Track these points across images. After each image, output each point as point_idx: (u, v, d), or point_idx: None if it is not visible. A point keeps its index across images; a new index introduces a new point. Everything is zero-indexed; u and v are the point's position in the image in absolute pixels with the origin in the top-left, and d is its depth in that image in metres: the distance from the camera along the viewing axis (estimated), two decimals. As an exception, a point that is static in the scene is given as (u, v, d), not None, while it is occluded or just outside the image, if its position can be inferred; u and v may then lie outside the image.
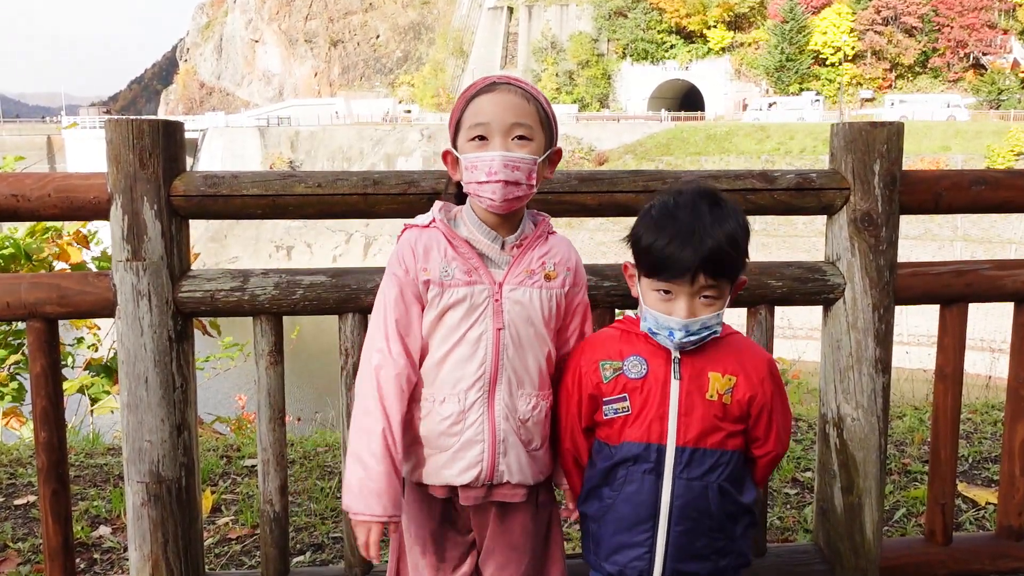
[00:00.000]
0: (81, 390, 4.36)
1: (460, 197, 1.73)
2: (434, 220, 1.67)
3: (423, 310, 1.65)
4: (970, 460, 3.58)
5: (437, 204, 1.70)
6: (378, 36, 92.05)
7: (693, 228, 1.53)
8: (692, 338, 1.57)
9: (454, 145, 1.68)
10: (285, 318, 2.15)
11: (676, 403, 1.59)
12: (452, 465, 1.64)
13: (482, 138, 1.61)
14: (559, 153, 1.71)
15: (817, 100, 54.55)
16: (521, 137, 1.61)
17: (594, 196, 2.13)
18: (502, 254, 1.66)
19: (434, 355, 1.65)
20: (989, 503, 3.09)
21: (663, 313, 1.57)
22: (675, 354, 1.61)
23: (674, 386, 1.59)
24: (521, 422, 1.67)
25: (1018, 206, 2.30)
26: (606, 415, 1.64)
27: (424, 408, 1.66)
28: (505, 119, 1.60)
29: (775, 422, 1.66)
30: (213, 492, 3.15)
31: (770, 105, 53.19)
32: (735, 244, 1.56)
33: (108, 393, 4.34)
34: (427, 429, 1.66)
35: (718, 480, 1.61)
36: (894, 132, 2.14)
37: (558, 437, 1.75)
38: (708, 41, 63.88)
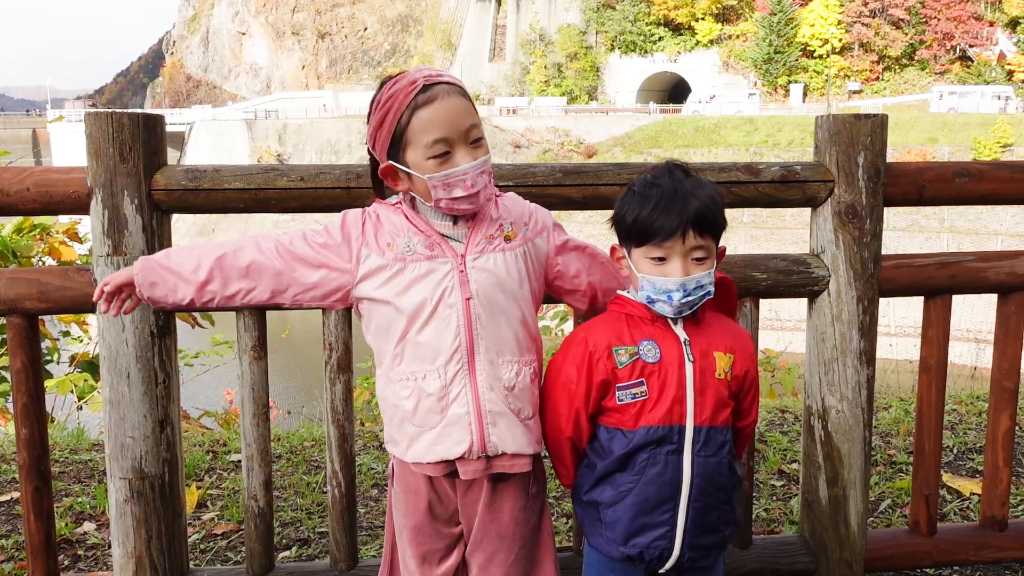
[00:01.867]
0: (67, 387, 4.32)
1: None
2: (399, 203, 1.68)
3: (336, 279, 1.67)
4: (955, 451, 3.61)
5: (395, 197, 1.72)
6: (366, 28, 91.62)
7: (675, 191, 1.62)
8: (689, 298, 1.63)
9: (395, 158, 1.61)
10: (273, 313, 2.14)
11: (692, 384, 1.65)
12: (443, 440, 1.64)
13: (446, 153, 1.57)
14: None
15: (753, 94, 56.04)
16: (476, 140, 1.59)
17: (579, 189, 2.12)
18: (457, 228, 1.65)
19: (408, 333, 1.63)
20: (974, 494, 3.11)
21: (660, 276, 1.63)
22: (683, 336, 1.67)
23: (688, 368, 1.66)
24: (507, 390, 1.66)
25: (1002, 198, 2.31)
26: (621, 400, 1.66)
27: (407, 387, 1.65)
28: (461, 125, 1.57)
29: (756, 394, 1.77)
30: (199, 487, 3.13)
31: (711, 97, 54.42)
32: (715, 203, 1.64)
33: (95, 389, 4.31)
34: (413, 407, 1.65)
35: (727, 454, 1.69)
36: (878, 124, 2.15)
37: (551, 424, 1.74)
38: (696, 33, 63.93)
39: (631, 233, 1.66)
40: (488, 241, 1.66)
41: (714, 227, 1.64)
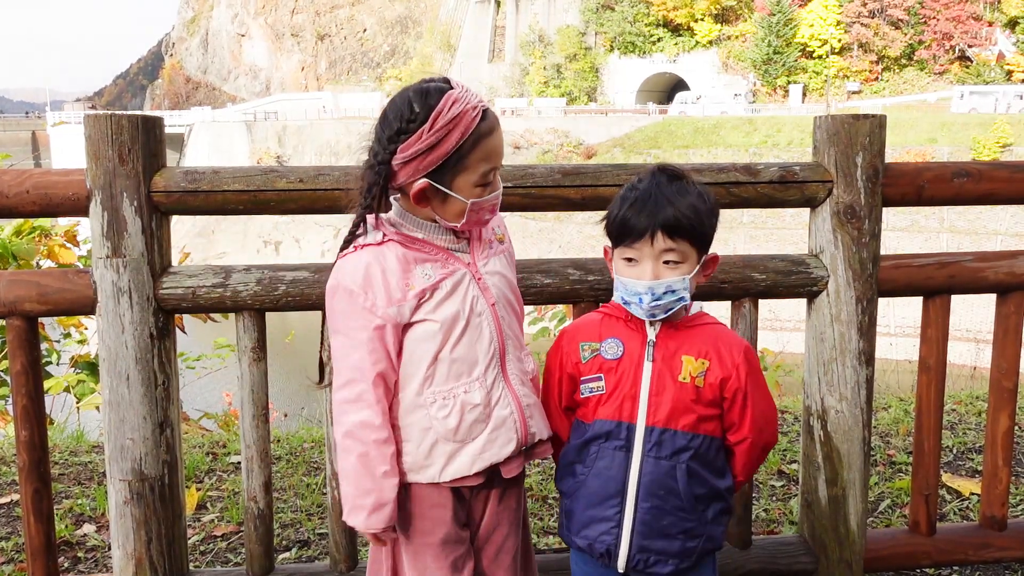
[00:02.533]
0: (67, 388, 4.32)
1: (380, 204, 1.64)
2: (385, 235, 1.59)
3: (400, 333, 1.60)
4: (954, 451, 3.61)
5: (371, 220, 1.61)
6: (365, 30, 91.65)
7: (650, 194, 1.63)
8: (660, 302, 1.63)
9: (437, 178, 1.55)
10: (272, 315, 2.14)
11: (648, 383, 1.65)
12: (490, 446, 1.64)
13: (491, 181, 1.61)
14: None
15: (739, 95, 56.29)
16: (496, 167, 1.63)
17: (578, 190, 2.13)
18: (457, 241, 1.66)
19: (443, 351, 1.61)
20: (973, 493, 3.11)
21: (631, 278, 1.64)
22: (650, 336, 1.67)
23: (646, 367, 1.66)
24: (533, 382, 1.74)
25: (1000, 198, 2.31)
26: (583, 394, 1.71)
27: (446, 405, 1.62)
28: (503, 157, 1.63)
29: (749, 407, 1.68)
30: (199, 489, 3.13)
31: (697, 98, 54.78)
32: (692, 209, 1.63)
33: (94, 391, 4.31)
34: (456, 424, 1.62)
35: (687, 460, 1.65)
36: (876, 125, 2.15)
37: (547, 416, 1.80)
38: (695, 34, 63.90)
39: (610, 233, 1.69)
40: (488, 246, 1.70)
41: (690, 233, 1.62)
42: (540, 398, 1.77)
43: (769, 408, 1.72)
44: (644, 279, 1.62)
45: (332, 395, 1.64)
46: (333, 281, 1.61)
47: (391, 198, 1.63)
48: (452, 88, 1.55)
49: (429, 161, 1.54)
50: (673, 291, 1.63)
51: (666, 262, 1.63)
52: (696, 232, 1.63)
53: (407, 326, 1.60)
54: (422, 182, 1.55)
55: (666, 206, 1.60)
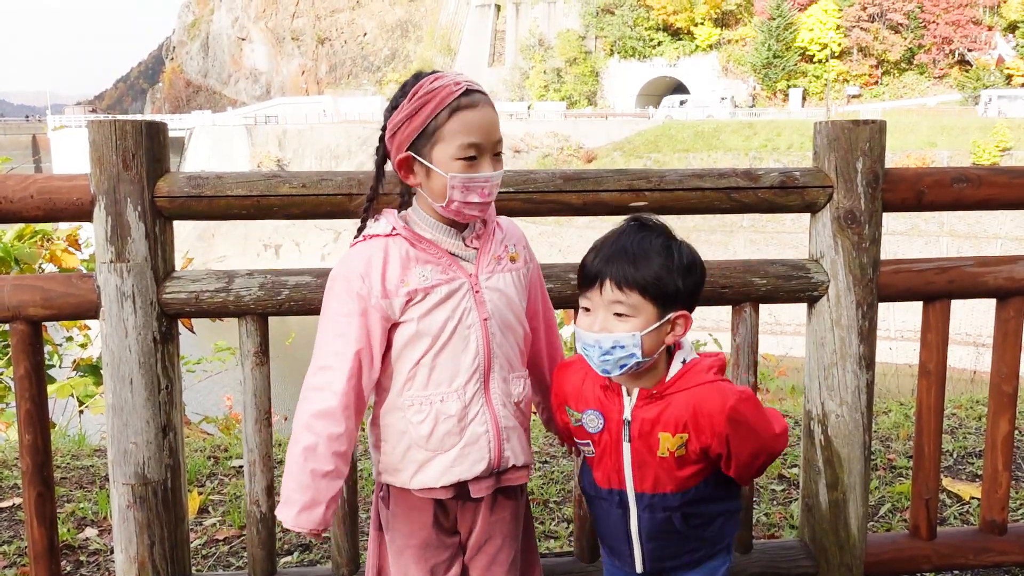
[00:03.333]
0: (67, 391, 4.32)
1: (405, 199, 1.70)
2: (395, 228, 1.62)
3: (388, 329, 1.61)
4: (955, 455, 3.61)
5: (391, 213, 1.66)
6: (365, 34, 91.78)
7: (609, 241, 1.61)
8: (608, 358, 1.56)
9: (417, 151, 1.59)
10: (274, 319, 2.15)
11: (629, 462, 1.66)
12: (461, 462, 1.64)
13: (473, 158, 1.57)
14: None
15: (724, 99, 57.06)
16: (499, 152, 1.62)
17: (579, 195, 2.14)
18: (465, 249, 1.67)
19: (425, 356, 1.63)
20: (973, 498, 3.12)
21: (583, 328, 1.61)
22: (626, 412, 1.64)
23: (625, 448, 1.66)
24: (516, 405, 1.71)
25: (1000, 203, 2.32)
26: (577, 444, 1.77)
27: (421, 411, 1.63)
28: (492, 137, 1.59)
29: (735, 458, 1.63)
30: (200, 493, 3.14)
31: (681, 103, 55.61)
32: (652, 263, 1.55)
33: (95, 394, 4.31)
34: (430, 431, 1.63)
35: (681, 511, 1.67)
36: (876, 130, 2.16)
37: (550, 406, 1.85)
38: (696, 38, 63.99)
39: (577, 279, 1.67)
40: (496, 261, 1.69)
41: (644, 287, 1.54)
42: (525, 426, 1.75)
43: (765, 441, 1.63)
44: (590, 329, 1.59)
45: (304, 380, 1.62)
46: (335, 270, 1.64)
47: (412, 195, 1.68)
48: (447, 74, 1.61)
49: (409, 132, 1.58)
50: (622, 346, 1.55)
51: (616, 314, 1.56)
52: (653, 287, 1.55)
53: (396, 325, 1.62)
54: (405, 154, 1.59)
55: (620, 256, 1.56)
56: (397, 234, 1.62)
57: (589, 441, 1.70)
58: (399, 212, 1.67)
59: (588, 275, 1.59)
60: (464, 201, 1.58)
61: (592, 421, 1.67)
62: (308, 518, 1.58)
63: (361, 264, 1.61)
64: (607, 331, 1.56)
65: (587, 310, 1.61)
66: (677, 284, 1.57)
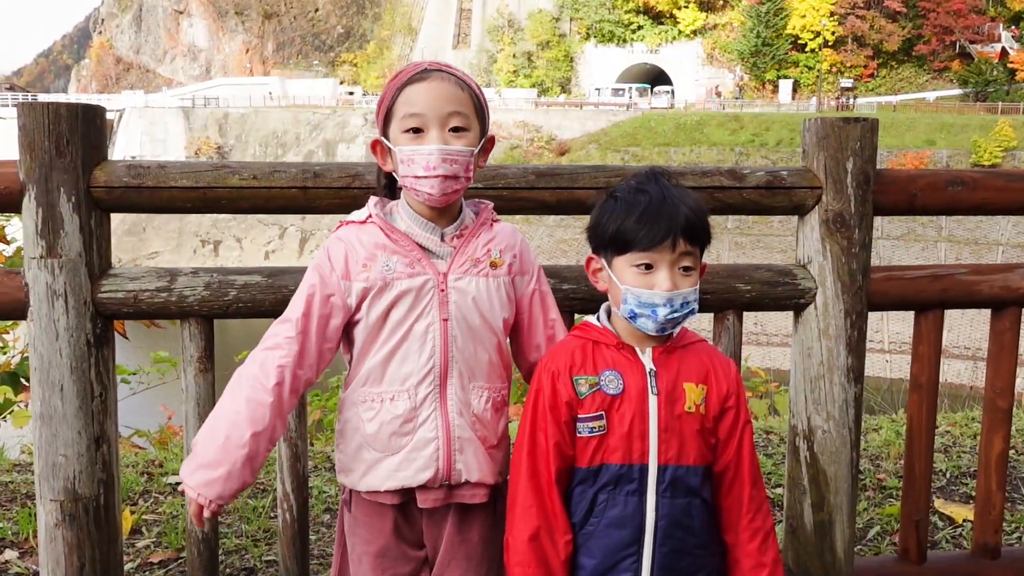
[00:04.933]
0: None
1: (391, 190, 1.82)
2: (370, 216, 1.73)
3: (344, 317, 1.72)
4: (948, 475, 3.72)
5: (372, 199, 1.77)
6: (317, 10, 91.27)
7: (664, 197, 1.67)
8: (675, 315, 1.66)
9: (384, 134, 1.73)
10: (218, 323, 2.16)
11: (655, 420, 1.66)
12: (407, 466, 1.70)
13: (417, 130, 1.67)
14: (492, 141, 1.79)
15: (667, 91, 59.71)
16: (457, 128, 1.68)
17: (553, 192, 2.18)
18: (443, 245, 1.73)
19: (380, 351, 1.71)
20: (967, 520, 3.21)
21: (645, 288, 1.65)
22: (649, 365, 1.69)
23: (652, 402, 1.66)
24: (476, 417, 1.74)
25: (996, 208, 2.41)
26: (580, 433, 1.68)
27: (372, 408, 1.72)
28: (441, 109, 1.67)
29: (737, 435, 1.74)
30: (133, 512, 3.13)
31: (640, 92, 58.22)
32: (704, 212, 1.70)
33: (13, 403, 4.26)
34: (376, 430, 1.71)
35: (701, 494, 1.69)
36: (868, 129, 2.23)
37: (525, 462, 1.73)
38: (679, 23, 64.62)
39: (615, 241, 1.68)
40: (473, 264, 1.74)
41: (703, 237, 1.68)
42: (498, 439, 1.77)
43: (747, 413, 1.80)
44: (661, 288, 1.64)
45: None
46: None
47: (393, 185, 1.82)
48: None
49: (380, 117, 1.74)
50: (688, 303, 1.66)
51: (682, 268, 1.66)
52: (707, 237, 1.70)
53: (355, 319, 1.72)
54: (375, 138, 1.75)
55: (682, 208, 1.65)
56: (372, 222, 1.72)
57: (601, 413, 1.66)
58: (388, 201, 1.79)
59: (657, 233, 1.63)
60: (412, 176, 1.67)
61: (612, 382, 1.68)
62: (201, 477, 1.66)
63: (330, 249, 1.74)
64: (677, 288, 1.65)
65: (646, 267, 1.65)
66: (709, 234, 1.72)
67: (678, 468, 1.66)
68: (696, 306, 1.69)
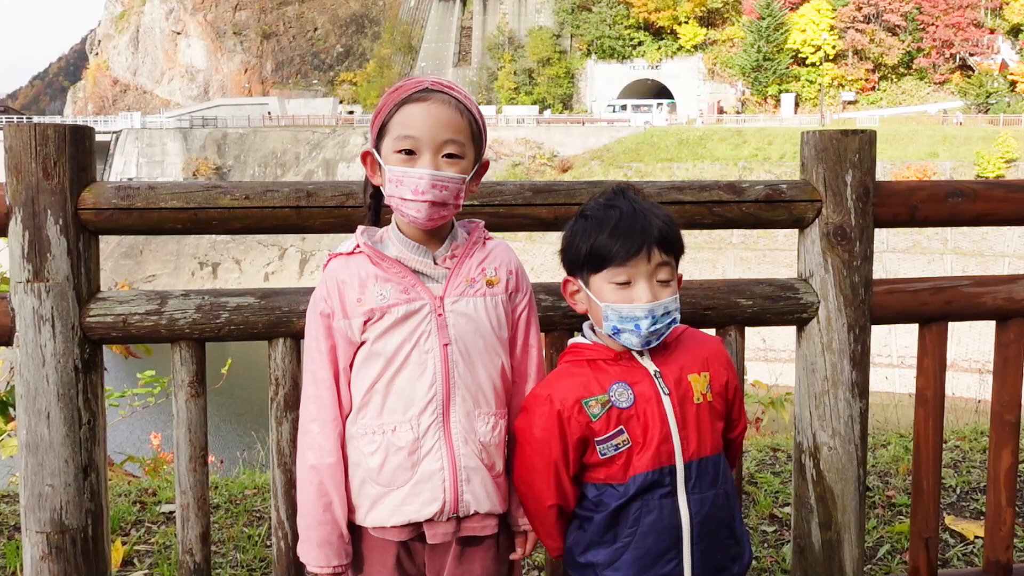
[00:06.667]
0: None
1: (377, 202, 1.82)
2: (358, 246, 1.70)
3: (356, 348, 1.71)
4: (958, 491, 3.68)
5: (359, 228, 1.75)
6: (316, 29, 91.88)
7: (634, 211, 1.69)
8: (658, 327, 1.67)
9: (376, 148, 1.71)
10: (211, 347, 2.15)
11: (674, 418, 1.70)
12: (412, 500, 1.66)
13: (410, 152, 1.65)
14: (486, 166, 1.77)
15: (660, 104, 60.20)
16: (451, 155, 1.66)
17: (550, 209, 2.17)
18: (436, 268, 1.70)
19: (380, 382, 1.67)
20: (978, 537, 3.18)
21: (625, 303, 1.66)
22: (652, 368, 1.71)
23: (666, 402, 1.70)
24: (482, 445, 1.70)
25: (998, 219, 2.40)
26: (604, 454, 1.69)
27: (373, 441, 1.67)
28: (437, 136, 1.64)
29: (742, 402, 1.86)
30: (125, 542, 3.10)
31: (623, 107, 59.35)
32: (674, 223, 1.73)
33: (3, 432, 4.24)
34: (379, 463, 1.67)
35: (724, 484, 1.74)
36: (866, 141, 2.22)
37: (531, 494, 1.76)
38: (679, 38, 65.01)
39: (590, 259, 1.69)
40: (469, 284, 1.71)
41: (677, 247, 1.72)
42: (503, 466, 1.75)
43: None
44: (641, 301, 1.66)
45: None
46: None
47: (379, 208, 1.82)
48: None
49: (374, 129, 1.72)
50: (669, 313, 1.69)
51: (660, 280, 1.68)
52: (680, 247, 1.72)
53: (359, 347, 1.70)
54: (366, 150, 1.74)
55: (653, 219, 1.68)
56: (360, 252, 1.69)
57: (620, 428, 1.68)
58: (377, 230, 1.77)
59: (632, 246, 1.65)
60: (400, 197, 1.64)
61: (622, 395, 1.69)
62: (324, 555, 1.69)
63: (324, 286, 1.71)
64: (657, 299, 1.67)
65: (624, 283, 1.67)
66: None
67: (702, 461, 1.71)
68: (678, 315, 1.71)
